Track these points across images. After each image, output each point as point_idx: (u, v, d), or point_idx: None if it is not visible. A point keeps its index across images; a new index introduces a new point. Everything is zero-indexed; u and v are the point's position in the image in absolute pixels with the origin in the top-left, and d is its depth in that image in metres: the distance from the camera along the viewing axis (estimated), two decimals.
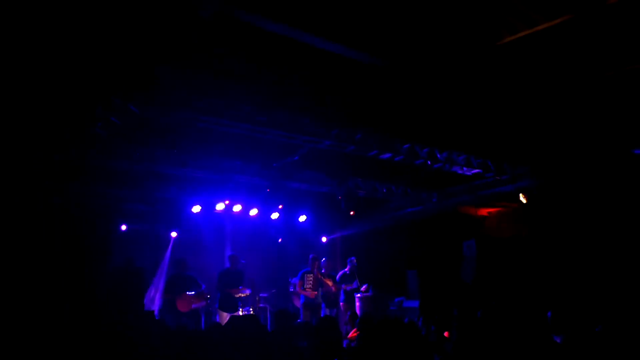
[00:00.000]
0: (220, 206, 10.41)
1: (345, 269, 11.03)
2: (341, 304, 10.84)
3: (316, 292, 10.23)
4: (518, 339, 4.58)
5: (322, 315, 10.20)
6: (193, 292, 9.40)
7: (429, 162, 9.33)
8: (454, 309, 7.66)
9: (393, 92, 7.38)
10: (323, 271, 10.72)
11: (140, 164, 8.80)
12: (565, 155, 9.30)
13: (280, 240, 12.82)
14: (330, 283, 10.49)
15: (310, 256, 10.56)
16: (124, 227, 10.61)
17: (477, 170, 9.87)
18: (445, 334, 7.10)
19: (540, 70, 6.70)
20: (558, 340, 4.95)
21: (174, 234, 11.36)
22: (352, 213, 11.34)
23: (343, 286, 10.78)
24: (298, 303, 10.65)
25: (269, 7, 5.18)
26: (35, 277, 8.39)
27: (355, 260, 11.10)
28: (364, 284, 10.81)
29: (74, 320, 7.96)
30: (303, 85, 7.09)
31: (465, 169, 9.75)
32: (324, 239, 13.19)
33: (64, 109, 6.69)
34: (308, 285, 10.19)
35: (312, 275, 10.28)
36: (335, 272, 11.16)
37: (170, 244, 11.39)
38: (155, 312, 9.92)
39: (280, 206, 10.59)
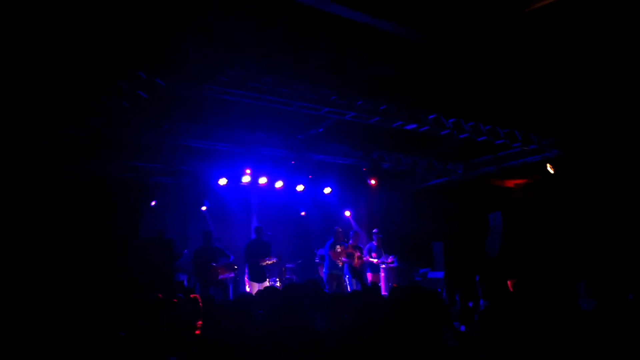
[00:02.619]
0: (246, 179, 10.48)
1: (373, 242, 11.12)
2: (368, 274, 10.94)
3: (345, 261, 10.33)
4: (545, 309, 4.57)
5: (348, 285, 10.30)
6: (220, 263, 9.55)
7: (455, 133, 9.24)
8: (476, 279, 7.67)
9: (418, 61, 7.29)
10: (351, 242, 10.81)
11: (167, 137, 8.92)
12: (594, 125, 9.11)
13: (303, 213, 12.90)
14: (357, 254, 10.60)
15: (335, 228, 10.61)
16: (153, 203, 10.77)
17: (503, 141, 9.74)
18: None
19: (569, 38, 6.53)
20: (588, 306, 4.97)
21: (203, 208, 11.48)
22: (372, 183, 11.32)
23: (370, 258, 10.88)
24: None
25: None
26: (65, 250, 8.62)
27: (379, 232, 11.17)
28: (390, 256, 10.88)
29: (105, 291, 8.17)
30: (327, 57, 7.04)
31: (491, 138, 9.63)
32: (347, 213, 13.22)
33: (91, 82, 6.78)
34: (336, 256, 10.30)
35: (339, 246, 10.36)
36: (362, 244, 11.25)
37: (208, 217, 11.51)
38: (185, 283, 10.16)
39: (310, 176, 10.60)
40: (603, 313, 4.86)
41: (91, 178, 9.60)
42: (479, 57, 7.04)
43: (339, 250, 10.25)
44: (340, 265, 10.27)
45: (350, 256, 10.42)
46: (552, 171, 10.21)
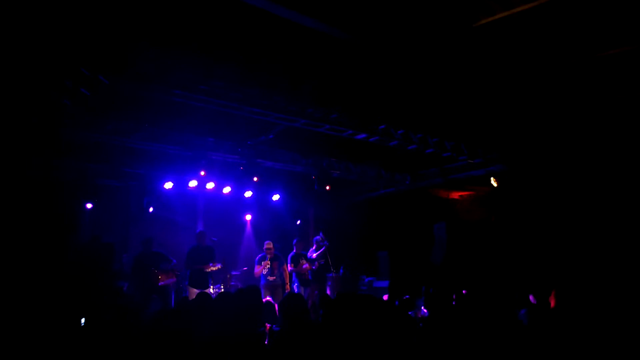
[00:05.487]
0: (193, 183, 10.27)
1: (313, 248, 11.07)
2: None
3: (274, 277, 10.30)
4: (485, 318, 4.66)
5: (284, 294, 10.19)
6: (161, 269, 9.30)
7: (404, 143, 9.36)
8: (422, 289, 7.75)
9: (370, 72, 7.36)
10: (295, 250, 10.76)
11: (111, 138, 8.61)
12: (537, 141, 9.42)
13: (248, 217, 12.77)
14: (302, 262, 10.62)
15: (265, 243, 10.57)
16: (89, 206, 10.39)
17: (450, 153, 9.94)
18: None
19: (516, 53, 6.74)
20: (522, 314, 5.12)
21: (150, 209, 11.13)
22: (328, 188, 11.22)
23: (314, 265, 10.84)
24: None
25: None
26: None
27: (321, 238, 11.11)
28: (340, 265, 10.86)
29: (39, 300, 7.79)
30: (279, 63, 7.00)
31: (438, 151, 9.81)
32: (298, 222, 13.16)
33: (30, 78, 6.48)
34: (265, 270, 10.27)
35: (266, 261, 10.34)
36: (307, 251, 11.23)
37: (152, 221, 11.11)
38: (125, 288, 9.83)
39: (255, 179, 10.43)
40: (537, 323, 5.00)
41: (28, 178, 9.17)
42: (430, 70, 7.17)
43: (265, 264, 10.26)
44: (269, 278, 10.27)
45: (295, 265, 10.42)
46: (495, 184, 10.48)
